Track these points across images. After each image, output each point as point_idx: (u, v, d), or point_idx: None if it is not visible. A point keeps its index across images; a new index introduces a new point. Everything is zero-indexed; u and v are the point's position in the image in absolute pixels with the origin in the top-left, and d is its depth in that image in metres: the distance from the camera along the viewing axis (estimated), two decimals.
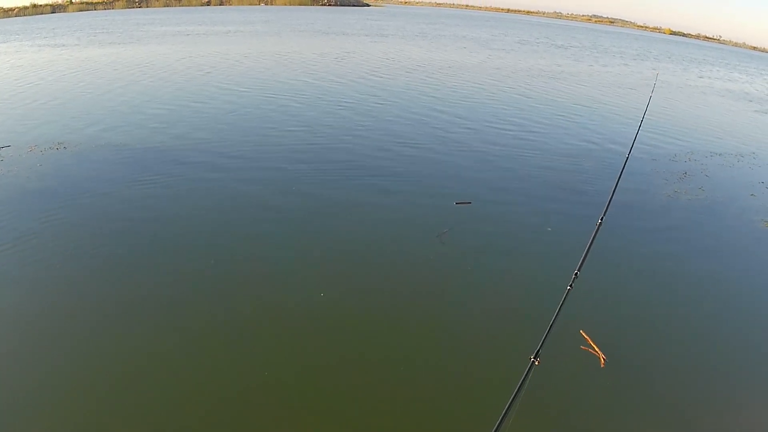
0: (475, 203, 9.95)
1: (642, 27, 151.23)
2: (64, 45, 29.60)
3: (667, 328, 6.78)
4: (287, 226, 8.71)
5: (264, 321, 6.31)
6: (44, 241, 7.84)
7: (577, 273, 3.49)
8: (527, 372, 2.40)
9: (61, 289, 6.79)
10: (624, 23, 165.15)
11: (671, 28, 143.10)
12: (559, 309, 2.67)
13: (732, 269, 8.58)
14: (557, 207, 10.16)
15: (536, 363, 2.51)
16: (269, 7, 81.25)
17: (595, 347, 6.08)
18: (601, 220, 3.18)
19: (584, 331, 6.30)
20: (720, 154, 15.21)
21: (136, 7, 67.94)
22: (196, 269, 7.31)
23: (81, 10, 58.48)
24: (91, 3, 62.47)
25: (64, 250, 7.60)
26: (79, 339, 5.93)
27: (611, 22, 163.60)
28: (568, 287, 3.51)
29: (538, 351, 2.56)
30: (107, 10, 62.49)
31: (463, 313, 6.72)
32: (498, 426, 2.00)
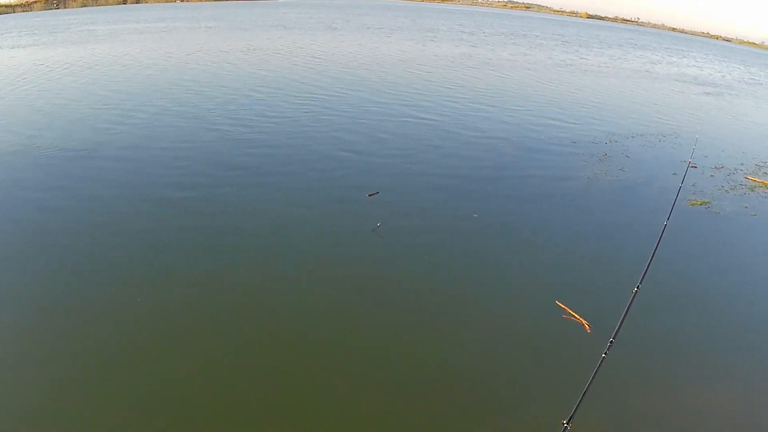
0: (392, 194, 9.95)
1: (559, 12, 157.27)
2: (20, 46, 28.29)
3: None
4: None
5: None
6: None
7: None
8: None
9: None
10: (540, 8, 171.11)
11: (588, 12, 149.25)
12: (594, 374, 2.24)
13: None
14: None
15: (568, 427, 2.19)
16: (184, 4, 77.02)
17: (576, 315, 6.12)
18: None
19: (560, 302, 6.37)
20: (642, 135, 15.67)
21: (54, 9, 64.01)
22: (138, 262, 7.48)
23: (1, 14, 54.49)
24: (10, 6, 59.28)
25: None
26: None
27: (527, 8, 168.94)
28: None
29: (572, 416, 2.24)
30: (26, 12, 59.00)
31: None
32: None
